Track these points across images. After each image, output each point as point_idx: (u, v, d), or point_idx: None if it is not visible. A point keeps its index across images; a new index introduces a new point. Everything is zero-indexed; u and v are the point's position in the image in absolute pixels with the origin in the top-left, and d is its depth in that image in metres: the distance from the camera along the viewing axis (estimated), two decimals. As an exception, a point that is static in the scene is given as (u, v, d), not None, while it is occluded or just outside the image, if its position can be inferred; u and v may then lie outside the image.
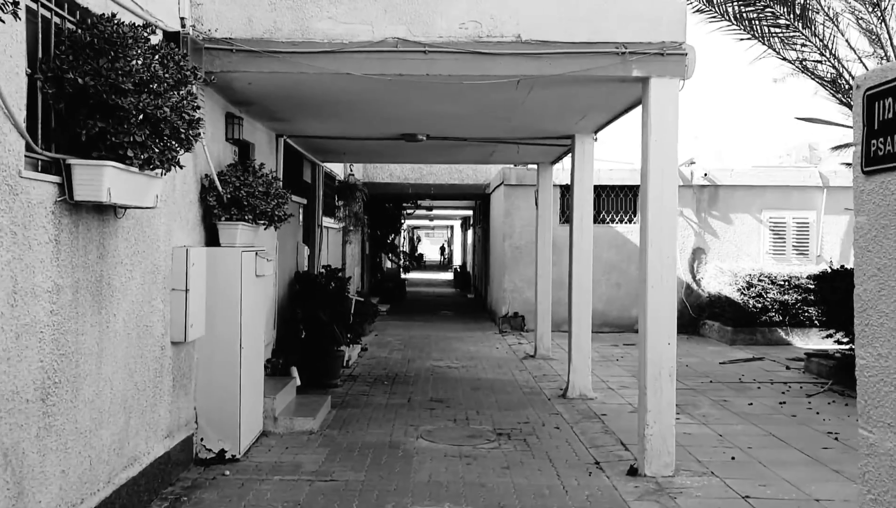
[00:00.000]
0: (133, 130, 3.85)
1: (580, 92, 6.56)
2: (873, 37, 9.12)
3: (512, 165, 15.55)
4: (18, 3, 2.97)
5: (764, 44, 9.61)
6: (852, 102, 2.36)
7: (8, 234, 3.35)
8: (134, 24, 4.03)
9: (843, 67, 9.11)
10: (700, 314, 14.89)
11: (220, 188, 5.95)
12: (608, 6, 5.68)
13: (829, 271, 10.55)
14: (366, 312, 12.70)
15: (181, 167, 4.36)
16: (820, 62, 9.04)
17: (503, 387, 9.37)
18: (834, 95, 9.50)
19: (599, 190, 14.81)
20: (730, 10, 9.46)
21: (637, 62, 5.73)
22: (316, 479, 5.65)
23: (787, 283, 13.56)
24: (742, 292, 13.62)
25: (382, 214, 21.84)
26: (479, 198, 22.00)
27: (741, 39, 9.82)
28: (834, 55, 8.82)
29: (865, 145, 2.28)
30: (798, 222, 15.46)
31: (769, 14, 9.15)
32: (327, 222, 12.43)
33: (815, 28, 8.84)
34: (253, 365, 6.40)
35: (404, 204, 22.82)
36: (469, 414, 7.88)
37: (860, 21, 8.93)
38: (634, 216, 15.56)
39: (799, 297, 13.52)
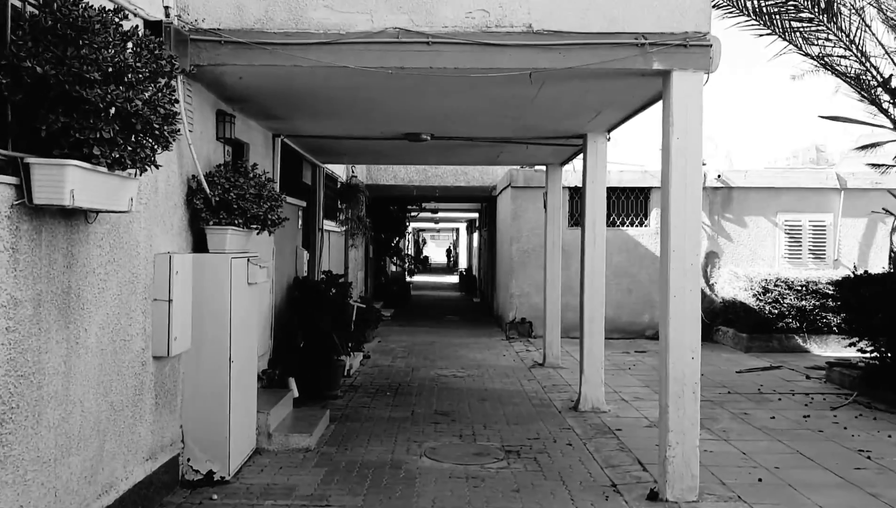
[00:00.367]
0: (100, 125, 3.43)
1: (595, 87, 6.13)
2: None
3: (519, 167, 15.12)
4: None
5: (784, 39, 9.16)
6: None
7: (-49, 242, 2.94)
8: (104, 7, 3.61)
9: (869, 62, 8.65)
10: (714, 320, 14.41)
11: (207, 190, 5.54)
12: (626, -7, 5.25)
13: (853, 276, 10.08)
14: (368, 318, 12.28)
15: (157, 167, 3.95)
16: (845, 57, 8.59)
17: (511, 398, 8.94)
18: (858, 92, 9.03)
19: (609, 192, 14.22)
20: (749, 4, 9.02)
21: (658, 54, 5.30)
22: (310, 504, 5.22)
23: (804, 288, 13.09)
24: (758, 298, 13.15)
25: (386, 216, 21.41)
26: (485, 200, 21.58)
27: (760, 35, 9.38)
28: (861, 51, 8.36)
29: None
30: (814, 225, 14.99)
31: (791, 8, 8.71)
32: (329, 225, 12.01)
33: (841, 22, 8.39)
34: (244, 379, 5.98)
35: (409, 207, 22.41)
36: (476, 429, 7.44)
37: (887, 14, 8.47)
38: (645, 219, 15.11)
39: (817, 303, 13.05)
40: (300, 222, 10.15)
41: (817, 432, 7.52)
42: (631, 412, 8.24)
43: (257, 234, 6.23)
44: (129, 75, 3.51)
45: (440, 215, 27.67)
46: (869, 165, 11.29)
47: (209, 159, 6.14)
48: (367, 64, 5.27)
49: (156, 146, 3.93)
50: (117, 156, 3.57)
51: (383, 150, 10.29)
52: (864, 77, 9.01)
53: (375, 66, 5.29)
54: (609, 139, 8.32)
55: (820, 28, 8.43)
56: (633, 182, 14.93)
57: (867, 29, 8.40)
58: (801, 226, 14.99)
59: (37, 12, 3.49)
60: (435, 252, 62.29)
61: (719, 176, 15.01)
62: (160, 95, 3.71)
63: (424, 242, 57.52)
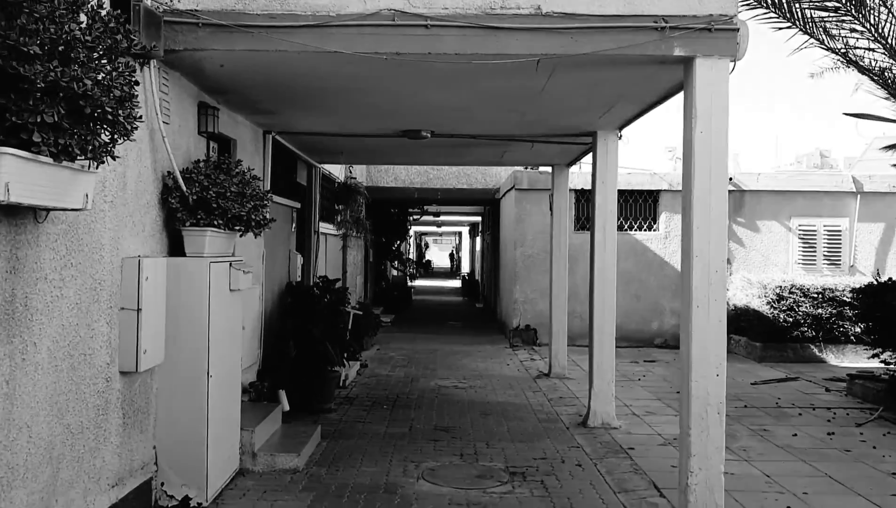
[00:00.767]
0: (41, 107, 2.94)
1: (608, 77, 5.63)
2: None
3: (524, 168, 14.62)
4: None
5: (805, 32, 8.66)
6: None
7: None
8: (50, -27, 3.12)
9: (896, 56, 8.15)
10: (725, 328, 13.86)
11: (184, 187, 5.04)
12: (645, -28, 4.76)
13: (876, 283, 9.56)
14: (366, 325, 11.79)
15: (114, 158, 3.45)
16: (871, 50, 8.08)
17: (516, 412, 8.42)
18: (884, 88, 8.53)
19: (617, 195, 13.83)
20: (769, -4, 8.52)
21: (679, 39, 4.80)
22: (294, 536, 4.73)
23: (820, 295, 12.55)
24: (772, 306, 12.62)
25: (387, 219, 20.91)
26: (488, 203, 21.08)
27: (779, 28, 8.88)
28: (890, 43, 7.85)
29: None
30: (829, 230, 14.46)
31: (815, -1, 8.20)
32: (325, 227, 11.52)
33: (867, 12, 7.88)
34: (225, 395, 5.48)
35: (410, 210, 21.90)
36: (478, 447, 6.93)
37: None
38: (654, 223, 14.59)
39: (834, 311, 12.51)
40: (294, 225, 9.66)
41: (844, 451, 7.00)
42: (643, 429, 7.72)
43: (241, 236, 5.73)
44: (79, 50, 3.01)
45: (442, 218, 27.14)
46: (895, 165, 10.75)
47: (189, 155, 5.65)
48: (361, 49, 4.78)
49: (116, 136, 3.45)
50: (64, 144, 3.07)
51: (382, 148, 9.80)
52: (889, 72, 8.50)
53: (369, 51, 4.80)
54: (620, 137, 7.83)
55: (845, 19, 7.93)
56: (641, 185, 14.42)
57: None
58: (815, 231, 14.46)
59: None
60: (437, 256, 61.78)
61: (731, 179, 14.48)
62: (116, 75, 3.21)
63: (427, 246, 57.02)
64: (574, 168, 11.73)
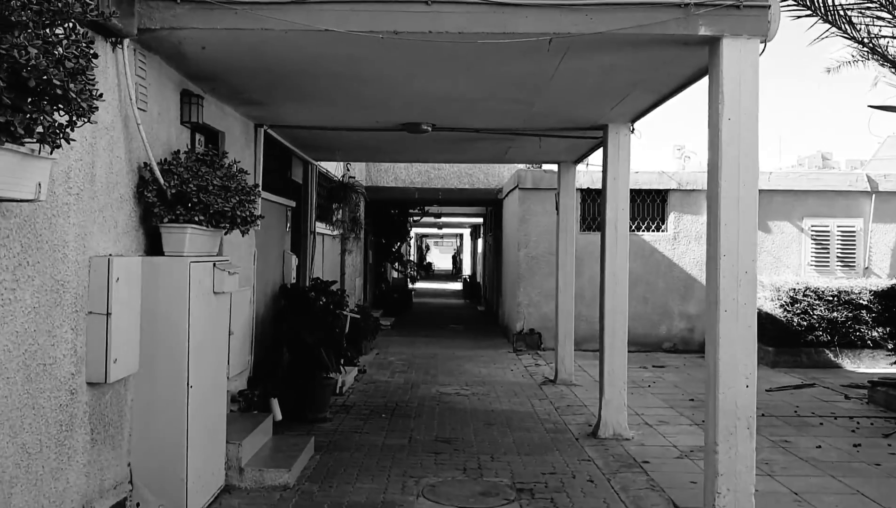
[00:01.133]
0: (-25, 78, 2.51)
1: (624, 62, 5.19)
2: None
3: (528, 166, 14.17)
4: None
5: (827, 21, 8.23)
6: None
7: None
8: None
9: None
10: (736, 332, 13.42)
11: (161, 180, 4.60)
12: (668, -58, 4.32)
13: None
14: (365, 328, 11.36)
15: (68, 142, 3.01)
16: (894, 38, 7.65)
17: (521, 422, 7.97)
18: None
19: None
20: (789, -18, 8.10)
21: (705, 17, 4.37)
22: (281, 564, 4.28)
23: (836, 298, 12.09)
24: (785, 309, 12.16)
25: (387, 220, 20.46)
26: (490, 204, 20.63)
27: (798, 17, 8.45)
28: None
29: None
30: (843, 231, 14.00)
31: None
32: (322, 228, 11.07)
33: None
34: (208, 406, 5.04)
35: (410, 210, 21.46)
36: (482, 460, 6.48)
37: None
38: (662, 224, 14.15)
39: (850, 314, 12.05)
40: (289, 224, 9.21)
41: (874, 465, 6.55)
42: (657, 440, 7.28)
43: (226, 234, 5.30)
44: (15, 13, 2.58)
45: (443, 219, 26.73)
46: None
47: (170, 146, 5.21)
48: (354, 27, 4.35)
49: (73, 117, 3.01)
50: (4, 122, 2.64)
51: (380, 145, 9.36)
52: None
53: (364, 30, 4.36)
54: (633, 130, 7.38)
55: (870, 6, 7.49)
56: (649, 184, 13.97)
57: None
58: (828, 231, 14.01)
59: None
60: (439, 258, 61.30)
61: (741, 178, 14.03)
62: (66, 43, 2.78)
63: (428, 248, 56.58)
64: (580, 167, 11.28)
